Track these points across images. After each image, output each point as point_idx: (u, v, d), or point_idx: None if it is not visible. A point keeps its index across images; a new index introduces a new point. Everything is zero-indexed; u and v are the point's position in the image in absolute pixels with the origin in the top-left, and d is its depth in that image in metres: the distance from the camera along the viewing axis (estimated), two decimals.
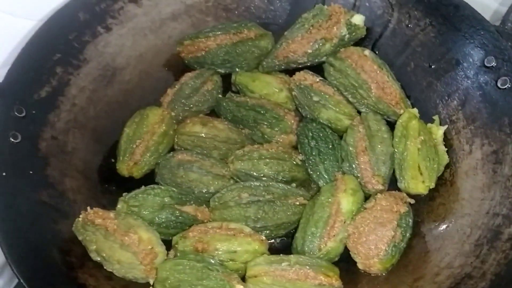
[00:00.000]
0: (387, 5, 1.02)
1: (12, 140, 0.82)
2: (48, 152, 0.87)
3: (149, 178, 0.93)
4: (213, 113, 1.03)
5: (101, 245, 0.77)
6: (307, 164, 0.94)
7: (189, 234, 0.81)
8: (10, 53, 0.96)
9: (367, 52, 0.99)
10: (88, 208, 0.82)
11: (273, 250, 0.88)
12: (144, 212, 0.83)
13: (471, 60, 0.92)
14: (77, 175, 0.89)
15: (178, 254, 0.80)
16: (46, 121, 0.89)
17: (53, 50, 0.92)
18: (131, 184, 0.92)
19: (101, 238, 0.77)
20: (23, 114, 0.85)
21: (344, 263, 0.85)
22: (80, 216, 0.81)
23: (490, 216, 0.80)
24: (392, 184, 0.91)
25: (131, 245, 0.76)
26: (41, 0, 0.96)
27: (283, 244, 0.91)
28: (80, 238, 0.79)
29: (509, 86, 0.87)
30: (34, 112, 0.87)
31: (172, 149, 0.97)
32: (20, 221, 0.76)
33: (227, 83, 1.05)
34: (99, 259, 0.78)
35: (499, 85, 0.88)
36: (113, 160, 0.95)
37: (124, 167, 0.91)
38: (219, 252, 0.79)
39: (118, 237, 0.76)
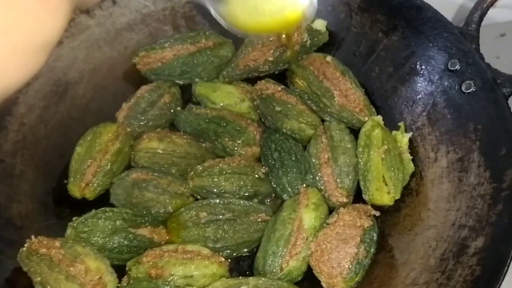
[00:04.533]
0: (349, 9, 0.99)
1: None
2: None
3: (105, 199, 0.89)
4: (173, 126, 0.98)
5: (46, 276, 0.72)
6: (270, 177, 0.90)
7: (143, 259, 0.77)
8: None
9: (329, 58, 0.95)
10: (33, 236, 0.77)
11: (237, 269, 0.84)
12: (94, 238, 0.79)
13: (434, 63, 0.90)
14: (25, 199, 0.85)
15: (132, 281, 0.76)
16: None
17: None
18: (86, 206, 0.87)
19: (45, 269, 0.72)
20: None
21: (309, 281, 0.81)
22: (25, 245, 0.76)
23: (456, 228, 0.76)
24: (358, 195, 0.88)
25: (77, 275, 0.71)
26: None
27: (249, 262, 0.88)
28: (25, 269, 0.74)
29: (474, 90, 0.84)
30: None
31: (129, 167, 0.93)
32: None
33: (188, 93, 1.01)
34: None
35: (463, 89, 0.85)
36: (66, 182, 0.90)
37: (76, 189, 0.87)
38: (175, 278, 0.75)
39: (64, 267, 0.72)
